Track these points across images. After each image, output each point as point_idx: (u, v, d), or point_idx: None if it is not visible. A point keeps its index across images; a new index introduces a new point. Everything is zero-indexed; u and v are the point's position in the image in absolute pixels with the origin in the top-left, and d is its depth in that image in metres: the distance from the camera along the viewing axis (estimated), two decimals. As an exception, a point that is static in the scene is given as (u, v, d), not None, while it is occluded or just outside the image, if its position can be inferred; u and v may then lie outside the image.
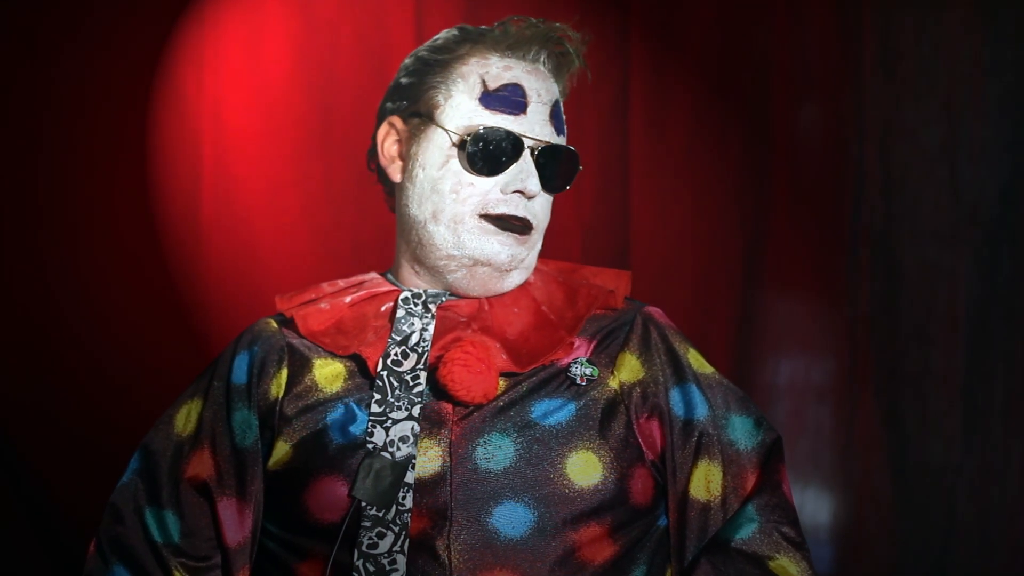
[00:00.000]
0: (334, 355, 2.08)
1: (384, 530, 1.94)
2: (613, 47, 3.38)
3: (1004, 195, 3.12)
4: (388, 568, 1.93)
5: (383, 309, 2.11)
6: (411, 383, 2.02)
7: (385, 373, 2.03)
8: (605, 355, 2.08)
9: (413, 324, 2.07)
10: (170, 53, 3.61)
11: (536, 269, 2.17)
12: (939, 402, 3.14)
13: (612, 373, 2.06)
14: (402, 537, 1.94)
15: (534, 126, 2.08)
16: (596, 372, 2.05)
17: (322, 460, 1.99)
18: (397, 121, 2.13)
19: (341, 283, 2.18)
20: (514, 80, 2.09)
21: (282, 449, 2.04)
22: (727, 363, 3.24)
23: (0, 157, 3.62)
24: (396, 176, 2.13)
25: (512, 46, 2.10)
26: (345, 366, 2.07)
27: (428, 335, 2.06)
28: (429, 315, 2.08)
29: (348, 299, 2.14)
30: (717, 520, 2.05)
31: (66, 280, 3.62)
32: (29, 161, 3.63)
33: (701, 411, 2.07)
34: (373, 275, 2.20)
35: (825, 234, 3.24)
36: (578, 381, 2.04)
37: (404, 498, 1.95)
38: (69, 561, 3.50)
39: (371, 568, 1.93)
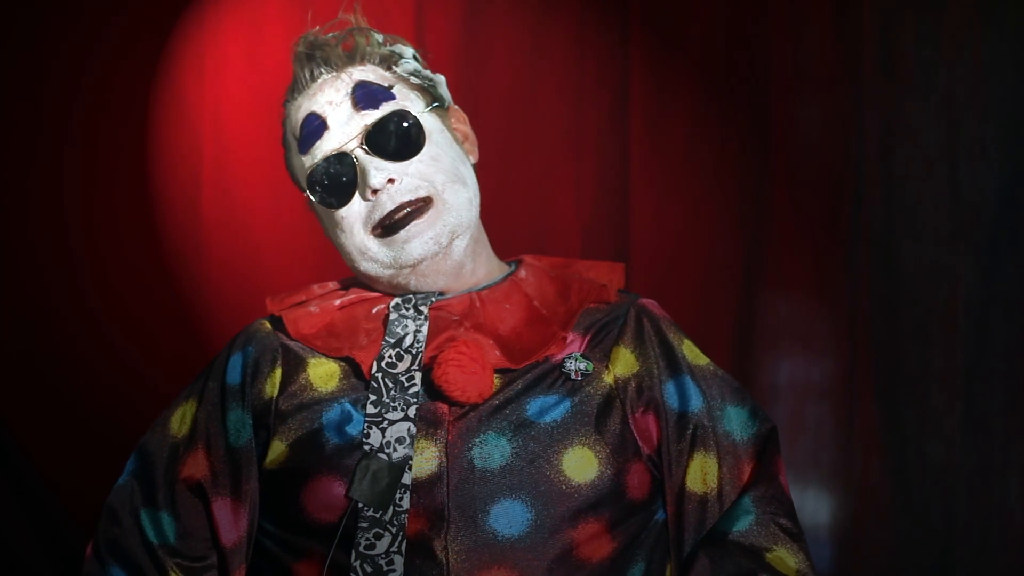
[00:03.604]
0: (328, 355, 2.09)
1: (381, 531, 1.95)
2: (613, 47, 3.38)
3: (1004, 195, 3.12)
4: (385, 569, 1.93)
5: (374, 312, 2.12)
6: (406, 384, 2.02)
7: (380, 375, 2.03)
8: (599, 349, 2.08)
9: (407, 326, 2.08)
10: (170, 53, 3.62)
11: (528, 264, 2.17)
12: (939, 402, 3.14)
13: (607, 368, 2.07)
14: (399, 538, 1.94)
15: (342, 128, 2.09)
16: (590, 367, 2.05)
17: (319, 460, 2.00)
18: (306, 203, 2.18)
19: (331, 285, 2.20)
20: (305, 112, 2.12)
21: (278, 448, 2.04)
22: (727, 363, 3.22)
23: (0, 157, 3.63)
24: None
25: (294, 88, 2.15)
26: (340, 365, 2.08)
27: (422, 336, 2.06)
28: (422, 317, 2.08)
29: (337, 302, 2.15)
30: (714, 512, 2.05)
31: (66, 280, 3.63)
32: (30, 161, 3.64)
33: (696, 403, 2.07)
34: None
35: (825, 234, 3.24)
36: (572, 376, 2.04)
37: (401, 499, 1.95)
38: (71, 562, 3.51)
39: (368, 569, 1.94)
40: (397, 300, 2.12)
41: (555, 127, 3.40)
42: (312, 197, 2.11)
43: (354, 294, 2.16)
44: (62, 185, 3.62)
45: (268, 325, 2.16)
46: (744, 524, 2.03)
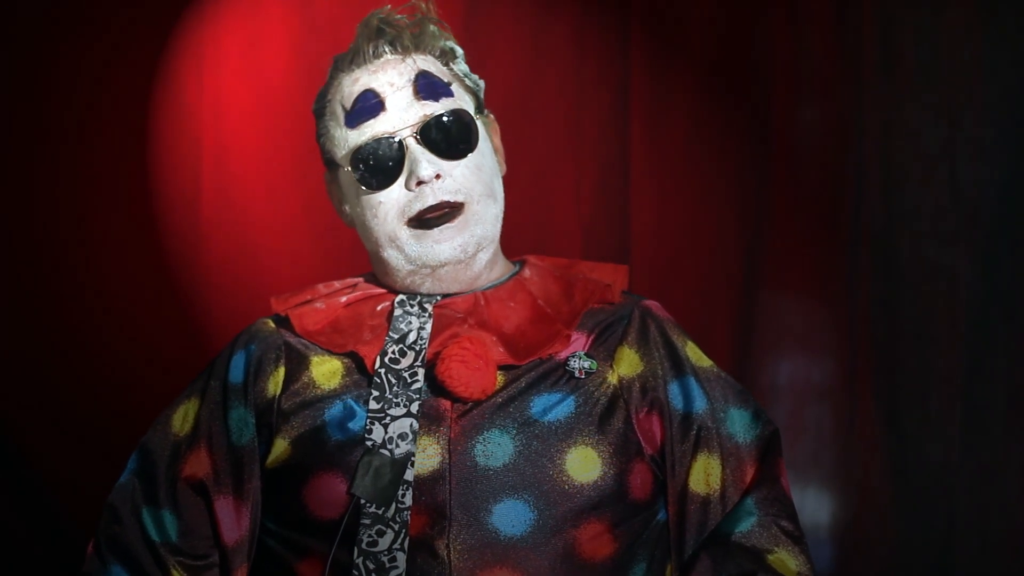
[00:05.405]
0: (331, 352, 2.09)
1: (384, 528, 1.94)
2: (613, 47, 3.38)
3: (1004, 195, 3.12)
4: (388, 566, 1.93)
5: (379, 308, 2.12)
6: (409, 380, 2.02)
7: (383, 371, 2.03)
8: (603, 349, 2.08)
9: (411, 323, 2.08)
10: (170, 53, 3.61)
11: (532, 264, 2.18)
12: (939, 402, 3.14)
13: (611, 368, 2.07)
14: (402, 535, 1.94)
15: (400, 113, 2.08)
16: (595, 365, 2.05)
17: (321, 457, 1.99)
18: (327, 175, 2.17)
19: (336, 284, 2.19)
20: (362, 88, 2.10)
21: (281, 446, 2.04)
22: (728, 363, 3.23)
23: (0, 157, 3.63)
24: (348, 224, 2.17)
25: (353, 59, 2.12)
26: (343, 363, 2.08)
27: (426, 333, 2.06)
28: (426, 314, 2.09)
29: (343, 299, 2.15)
30: (717, 514, 2.05)
31: (66, 280, 3.62)
32: (29, 161, 3.64)
33: (700, 404, 2.07)
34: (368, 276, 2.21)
35: (825, 234, 3.24)
36: (576, 374, 2.04)
37: (404, 496, 1.95)
38: (72, 561, 3.51)
39: (371, 566, 1.93)
40: (402, 297, 2.12)
41: (555, 127, 3.40)
42: (353, 174, 2.09)
43: (360, 291, 2.16)
44: (61, 185, 3.62)
45: (271, 324, 2.15)
46: (746, 526, 2.04)
